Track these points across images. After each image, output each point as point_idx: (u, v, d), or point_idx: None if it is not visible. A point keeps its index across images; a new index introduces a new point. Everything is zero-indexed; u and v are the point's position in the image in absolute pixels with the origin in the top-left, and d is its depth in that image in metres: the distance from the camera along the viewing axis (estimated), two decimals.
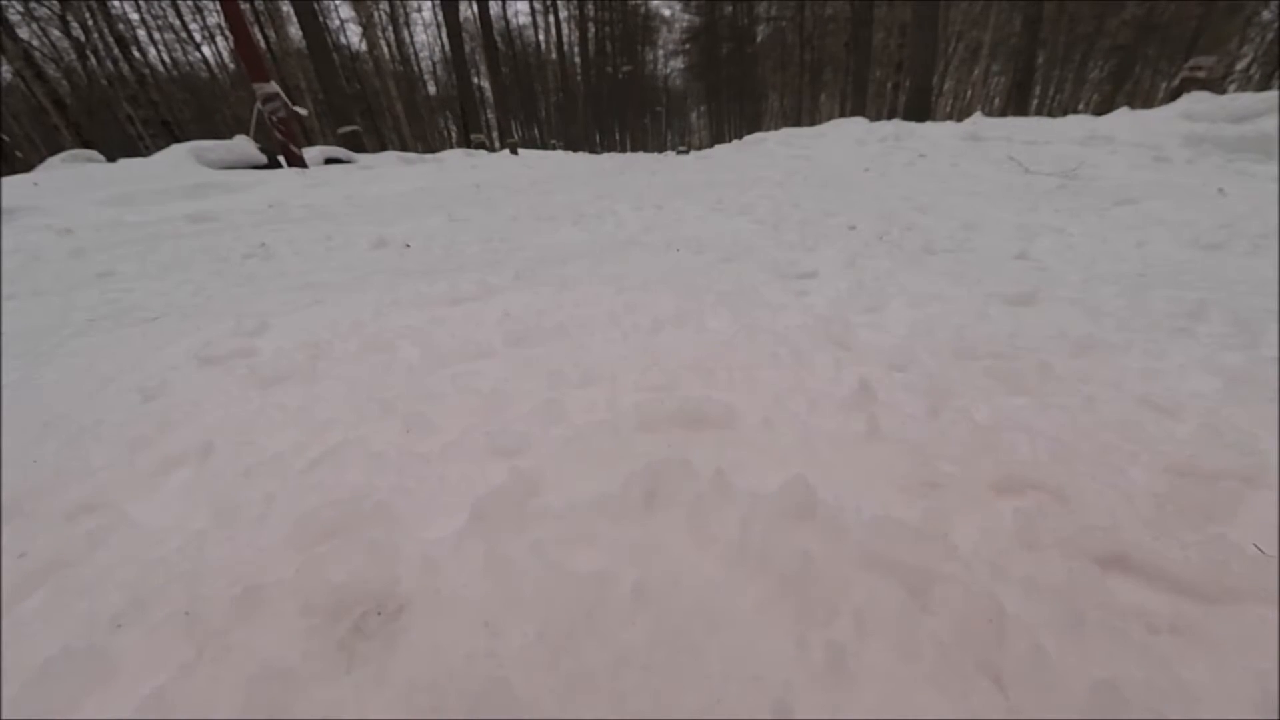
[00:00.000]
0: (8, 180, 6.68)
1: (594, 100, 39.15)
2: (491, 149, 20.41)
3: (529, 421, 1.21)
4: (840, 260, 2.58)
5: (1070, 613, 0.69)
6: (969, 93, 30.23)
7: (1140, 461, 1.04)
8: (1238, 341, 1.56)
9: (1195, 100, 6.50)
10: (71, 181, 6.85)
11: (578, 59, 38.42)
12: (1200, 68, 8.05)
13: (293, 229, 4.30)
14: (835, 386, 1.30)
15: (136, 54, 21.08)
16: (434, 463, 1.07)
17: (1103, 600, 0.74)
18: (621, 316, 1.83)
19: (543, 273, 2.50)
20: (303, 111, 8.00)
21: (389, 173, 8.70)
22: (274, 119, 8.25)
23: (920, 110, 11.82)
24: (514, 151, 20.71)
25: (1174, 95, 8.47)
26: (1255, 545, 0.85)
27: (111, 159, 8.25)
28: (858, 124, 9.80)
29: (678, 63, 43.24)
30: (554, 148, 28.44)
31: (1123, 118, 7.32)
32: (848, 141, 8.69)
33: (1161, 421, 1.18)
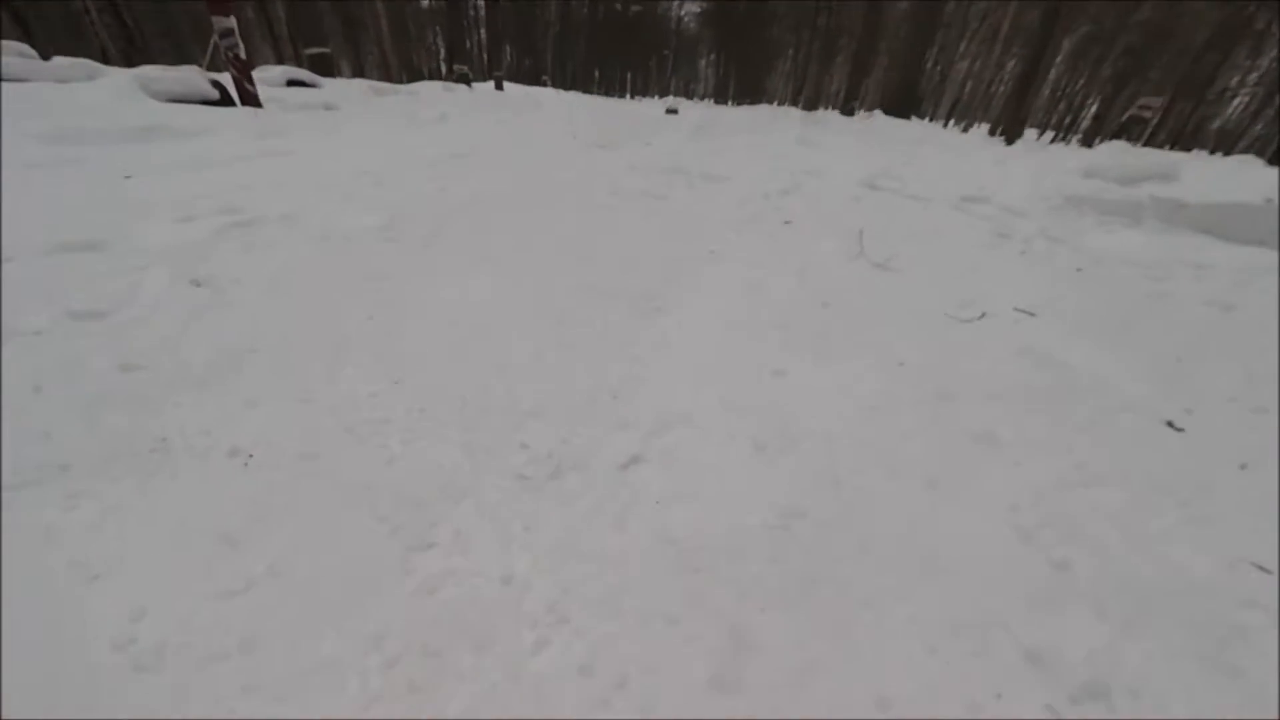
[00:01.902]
0: None
1: (598, 36, 36.82)
2: (475, 81, 19.52)
3: None
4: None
5: None
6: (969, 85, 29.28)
7: None
8: None
9: (1110, 153, 6.72)
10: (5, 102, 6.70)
11: None
12: (1148, 107, 8.20)
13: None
14: None
15: None
16: None
17: None
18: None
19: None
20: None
21: (349, 130, 8.46)
22: (229, 55, 8.11)
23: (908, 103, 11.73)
24: (499, 86, 19.83)
25: (1120, 131, 8.65)
26: None
27: (46, 57, 7.88)
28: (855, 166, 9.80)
29: (693, 6, 40.49)
30: (545, 84, 27.10)
31: (1023, 162, 7.07)
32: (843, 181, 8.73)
33: None
